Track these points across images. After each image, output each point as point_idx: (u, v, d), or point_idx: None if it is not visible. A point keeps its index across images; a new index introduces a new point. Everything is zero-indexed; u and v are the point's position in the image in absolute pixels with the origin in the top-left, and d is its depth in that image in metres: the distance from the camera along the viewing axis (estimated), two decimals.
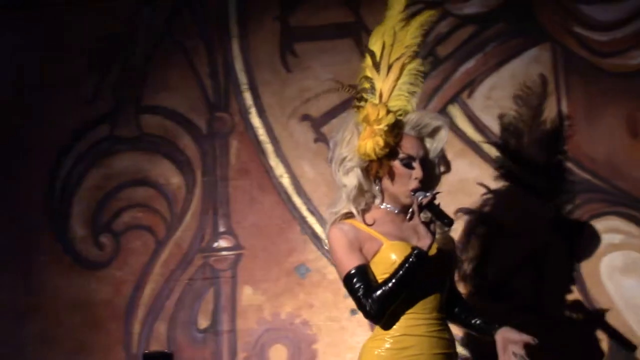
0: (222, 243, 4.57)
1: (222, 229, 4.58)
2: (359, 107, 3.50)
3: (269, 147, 4.62)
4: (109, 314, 4.58)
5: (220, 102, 4.69)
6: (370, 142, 3.42)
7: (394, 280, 3.31)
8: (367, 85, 3.56)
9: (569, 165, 4.38)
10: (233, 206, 4.59)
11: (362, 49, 4.57)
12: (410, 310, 3.40)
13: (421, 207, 3.34)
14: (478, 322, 3.55)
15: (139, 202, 4.67)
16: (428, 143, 3.53)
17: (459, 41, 4.52)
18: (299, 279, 4.49)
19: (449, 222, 3.32)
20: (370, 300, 3.32)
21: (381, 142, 3.41)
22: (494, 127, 4.44)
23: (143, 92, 4.75)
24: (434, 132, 3.54)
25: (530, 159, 4.41)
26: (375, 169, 3.46)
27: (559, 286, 4.29)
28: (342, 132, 3.53)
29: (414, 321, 3.39)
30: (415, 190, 3.40)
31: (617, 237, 4.30)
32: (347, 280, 3.39)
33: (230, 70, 4.70)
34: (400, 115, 3.49)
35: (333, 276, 4.43)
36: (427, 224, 3.33)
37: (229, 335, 4.49)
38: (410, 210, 3.41)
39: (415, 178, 3.42)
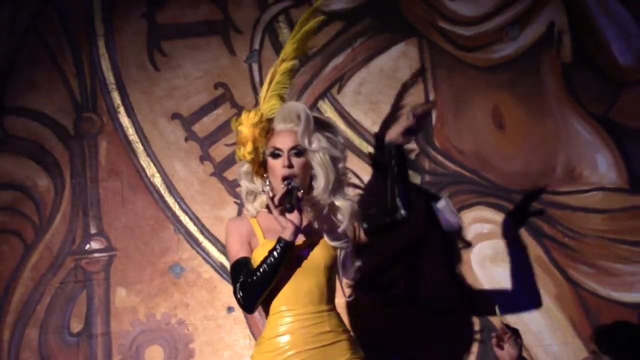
0: (94, 245, 4.51)
1: (93, 230, 4.52)
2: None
3: (139, 147, 4.57)
4: None
5: (87, 102, 4.62)
6: (240, 145, 3.61)
7: (260, 271, 3.43)
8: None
9: (439, 157, 4.46)
10: (104, 207, 4.53)
11: (231, 47, 4.60)
12: (284, 307, 3.51)
13: (284, 195, 3.49)
14: None
15: (5, 206, 4.56)
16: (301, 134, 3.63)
17: (327, 37, 4.55)
18: (173, 278, 4.45)
19: (289, 208, 3.44)
20: (241, 291, 3.44)
21: (249, 146, 3.57)
22: (365, 122, 4.50)
23: (6, 93, 4.64)
24: (299, 120, 3.62)
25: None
26: (255, 168, 3.64)
27: (433, 276, 4.36)
28: None
29: (288, 318, 3.50)
30: (285, 178, 3.55)
31: (487, 227, 4.40)
32: (231, 270, 3.55)
33: (97, 70, 4.63)
34: (273, 112, 3.66)
35: (208, 275, 4.43)
36: (284, 211, 3.47)
37: (103, 338, 4.42)
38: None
39: (283, 166, 3.55)
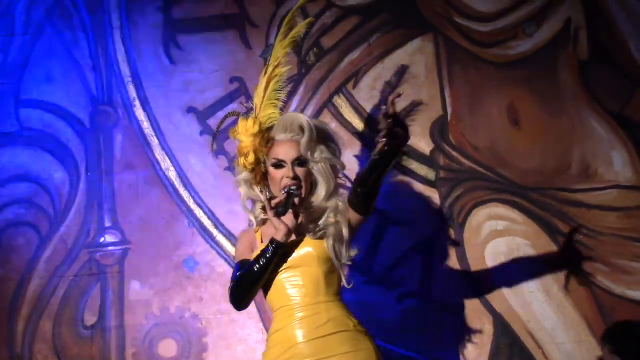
0: (109, 238, 4.51)
1: (108, 223, 4.52)
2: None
3: (154, 141, 4.57)
4: None
5: (103, 95, 4.62)
6: (242, 156, 3.63)
7: (249, 270, 3.49)
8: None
9: (454, 154, 4.45)
10: (119, 201, 4.53)
11: (247, 41, 4.60)
12: (281, 304, 3.55)
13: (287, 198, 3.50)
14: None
15: (20, 198, 4.56)
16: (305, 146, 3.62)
17: (343, 32, 4.56)
18: (187, 272, 4.46)
19: (281, 211, 3.46)
20: (231, 289, 3.52)
21: (251, 157, 3.59)
22: (380, 117, 4.48)
23: (23, 86, 4.64)
24: (303, 130, 3.61)
25: (417, 149, 4.47)
26: (258, 178, 3.65)
27: (446, 272, 4.36)
28: None
29: (286, 313, 3.53)
30: (286, 187, 3.56)
31: (501, 224, 4.40)
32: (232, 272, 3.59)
33: (113, 63, 4.64)
34: (271, 121, 3.68)
35: (222, 269, 4.44)
36: (278, 213, 3.48)
37: (117, 331, 4.43)
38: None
39: (287, 177, 3.56)
